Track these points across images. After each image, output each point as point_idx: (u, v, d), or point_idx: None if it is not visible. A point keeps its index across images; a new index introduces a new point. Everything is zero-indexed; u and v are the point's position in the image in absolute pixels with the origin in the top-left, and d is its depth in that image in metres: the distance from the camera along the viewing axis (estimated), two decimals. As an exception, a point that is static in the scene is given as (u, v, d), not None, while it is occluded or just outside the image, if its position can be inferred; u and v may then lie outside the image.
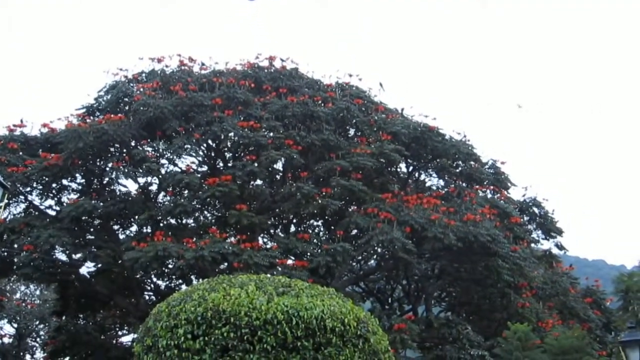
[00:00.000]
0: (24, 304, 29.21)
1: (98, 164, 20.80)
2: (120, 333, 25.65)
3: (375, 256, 22.55)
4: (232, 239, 18.78)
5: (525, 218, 23.84)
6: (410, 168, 23.49)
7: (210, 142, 21.68)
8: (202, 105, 20.42)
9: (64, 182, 20.93)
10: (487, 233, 18.41)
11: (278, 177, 22.17)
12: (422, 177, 24.44)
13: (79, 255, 20.03)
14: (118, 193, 20.97)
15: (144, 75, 22.64)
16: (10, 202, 19.93)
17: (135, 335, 13.75)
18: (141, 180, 20.71)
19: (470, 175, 22.40)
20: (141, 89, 21.23)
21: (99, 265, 20.21)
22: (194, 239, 18.05)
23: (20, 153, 20.43)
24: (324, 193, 19.10)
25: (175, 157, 20.59)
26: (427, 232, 18.11)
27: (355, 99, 22.21)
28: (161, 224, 19.70)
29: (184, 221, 20.50)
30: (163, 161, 20.71)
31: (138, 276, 20.54)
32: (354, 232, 20.22)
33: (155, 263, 17.15)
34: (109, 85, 22.10)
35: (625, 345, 13.50)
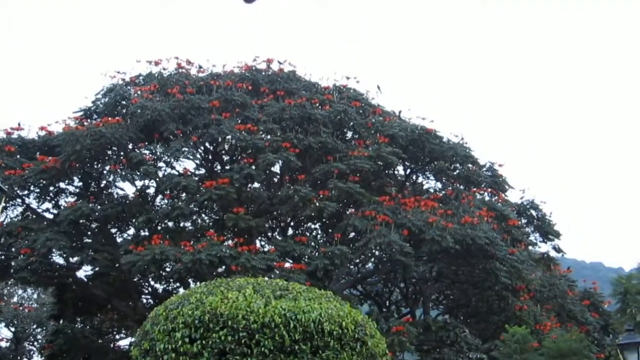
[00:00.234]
0: (21, 308, 29.18)
1: (95, 167, 20.75)
2: (117, 337, 25.65)
3: (372, 259, 22.54)
4: (230, 242, 18.79)
5: (523, 221, 23.80)
6: (408, 171, 23.49)
7: (207, 144, 21.68)
8: (199, 107, 20.44)
9: (62, 185, 20.94)
10: (485, 236, 18.40)
11: (275, 179, 22.17)
12: (420, 179, 24.45)
13: (76, 259, 20.03)
14: (115, 196, 20.93)
15: (141, 78, 22.62)
16: (8, 205, 19.91)
17: (133, 339, 13.70)
18: (139, 183, 20.65)
19: (468, 177, 22.38)
20: (139, 92, 21.24)
21: (97, 269, 20.25)
22: (192, 242, 18.09)
23: (18, 156, 20.39)
24: (321, 196, 19.08)
25: (172, 160, 20.61)
26: (424, 234, 18.09)
27: (352, 101, 22.19)
28: (159, 227, 19.74)
29: (181, 224, 20.50)
30: (160, 164, 20.71)
31: (136, 279, 20.53)
32: (352, 234, 20.18)
33: (152, 266, 17.19)
34: (107, 88, 22.06)
35: (623, 348, 13.54)
